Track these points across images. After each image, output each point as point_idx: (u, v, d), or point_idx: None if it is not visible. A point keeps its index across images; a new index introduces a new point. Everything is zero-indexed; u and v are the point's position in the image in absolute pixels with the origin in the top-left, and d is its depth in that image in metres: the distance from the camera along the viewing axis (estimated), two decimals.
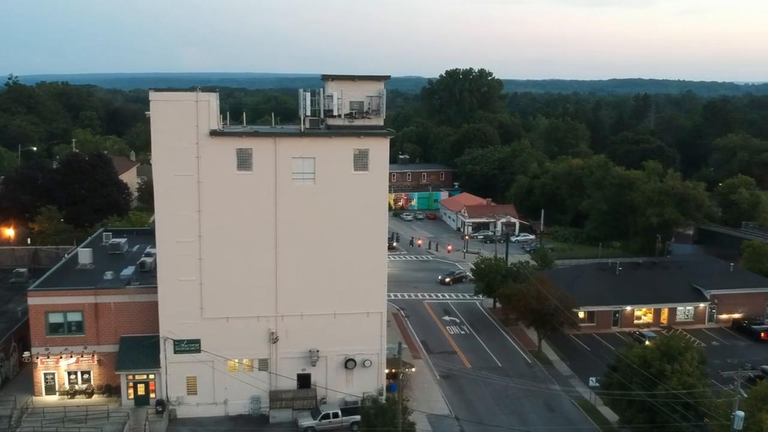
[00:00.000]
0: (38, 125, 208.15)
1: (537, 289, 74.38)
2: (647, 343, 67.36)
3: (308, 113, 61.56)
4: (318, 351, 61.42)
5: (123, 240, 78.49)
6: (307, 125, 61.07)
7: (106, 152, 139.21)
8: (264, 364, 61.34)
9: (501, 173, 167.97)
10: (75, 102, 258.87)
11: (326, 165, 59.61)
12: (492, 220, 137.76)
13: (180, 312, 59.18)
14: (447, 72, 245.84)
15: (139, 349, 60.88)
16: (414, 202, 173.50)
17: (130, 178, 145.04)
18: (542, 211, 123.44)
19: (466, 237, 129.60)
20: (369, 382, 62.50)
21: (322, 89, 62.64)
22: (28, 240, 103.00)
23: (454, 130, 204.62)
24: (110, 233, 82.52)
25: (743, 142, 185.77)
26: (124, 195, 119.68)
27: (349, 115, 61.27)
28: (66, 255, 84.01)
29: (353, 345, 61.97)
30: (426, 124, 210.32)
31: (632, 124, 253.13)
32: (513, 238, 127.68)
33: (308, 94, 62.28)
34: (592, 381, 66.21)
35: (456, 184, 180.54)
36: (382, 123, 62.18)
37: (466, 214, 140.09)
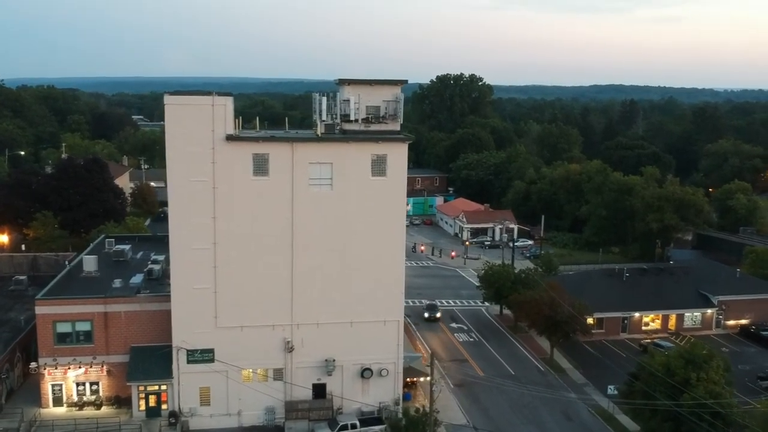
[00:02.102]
0: (25, 129, 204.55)
1: (550, 295, 73.65)
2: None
3: (324, 118, 60.43)
4: (334, 360, 60.18)
5: (127, 247, 76.84)
6: (322, 130, 59.94)
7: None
8: (279, 374, 59.98)
9: (496, 178, 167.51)
10: (61, 106, 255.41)
11: (343, 170, 58.52)
12: (491, 226, 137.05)
13: (194, 321, 57.72)
14: (438, 77, 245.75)
15: (151, 360, 59.33)
16: (409, 208, 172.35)
17: (123, 182, 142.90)
18: (542, 216, 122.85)
19: (467, 243, 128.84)
20: (385, 392, 61.50)
21: (327, 94, 61.72)
22: (23, 246, 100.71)
23: (447, 135, 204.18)
24: (113, 239, 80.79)
25: (734, 148, 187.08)
26: (120, 200, 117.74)
27: (366, 120, 60.17)
28: (67, 262, 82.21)
29: (370, 354, 60.83)
30: (419, 129, 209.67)
31: (621, 129, 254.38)
32: (505, 243, 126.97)
33: (324, 99, 61.10)
34: (611, 389, 65.47)
35: (451, 189, 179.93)
36: (398, 128, 61.11)
37: (465, 220, 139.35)
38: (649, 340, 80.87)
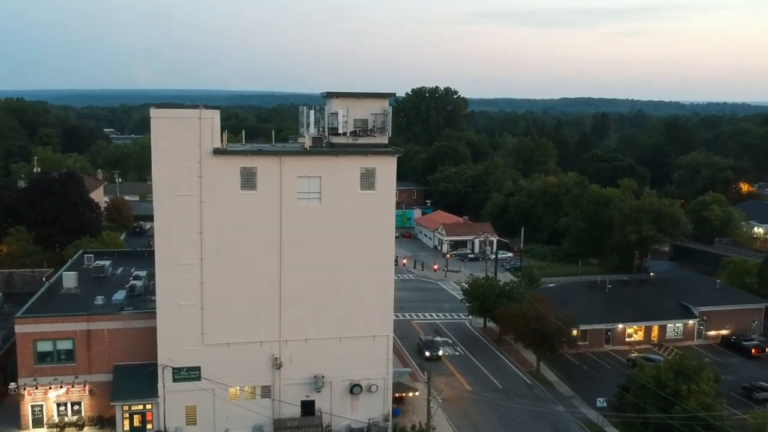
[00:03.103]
0: None
1: (536, 308, 73.63)
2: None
3: (312, 131, 59.93)
4: (323, 376, 59.30)
5: (107, 262, 75.26)
6: (310, 143, 59.37)
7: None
8: (267, 391, 58.90)
9: (474, 191, 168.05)
10: (31, 118, 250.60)
11: (332, 184, 57.96)
12: (470, 238, 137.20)
13: (180, 338, 56.49)
14: (413, 90, 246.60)
15: (135, 378, 57.90)
16: None
17: (97, 196, 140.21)
18: (522, 228, 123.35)
19: (448, 256, 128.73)
20: (375, 408, 60.73)
21: (314, 107, 61.31)
22: None
23: (424, 148, 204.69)
24: (92, 255, 79.08)
25: (706, 160, 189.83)
26: (96, 215, 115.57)
27: (354, 133, 59.81)
28: (44, 278, 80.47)
29: (359, 370, 60.07)
30: (395, 141, 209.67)
31: (594, 142, 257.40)
32: (492, 256, 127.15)
33: (312, 112, 60.73)
34: (600, 402, 65.46)
35: (428, 201, 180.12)
36: (386, 141, 60.88)
37: (444, 232, 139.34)
38: (635, 354, 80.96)
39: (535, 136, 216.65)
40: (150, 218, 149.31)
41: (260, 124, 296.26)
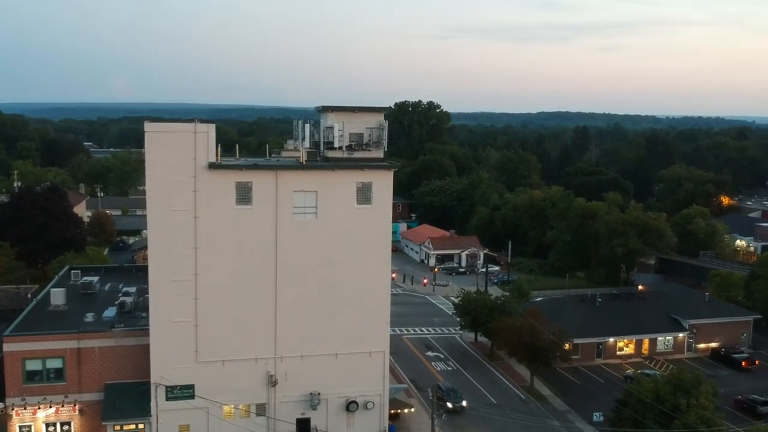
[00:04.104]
0: None
1: (530, 322, 73.42)
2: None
3: (308, 145, 59.49)
4: (319, 394, 58.50)
5: (95, 278, 73.84)
6: (305, 157, 58.89)
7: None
8: (262, 409, 57.94)
9: (460, 205, 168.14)
10: (9, 132, 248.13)
11: (328, 199, 57.46)
12: (457, 252, 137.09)
13: (173, 356, 55.45)
14: (396, 104, 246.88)
15: (127, 397, 56.60)
16: None
17: (80, 211, 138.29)
18: (509, 242, 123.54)
19: (436, 270, 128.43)
20: (371, 425, 60.04)
21: (309, 121, 60.94)
22: None
23: (408, 162, 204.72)
24: (78, 271, 77.61)
25: (687, 174, 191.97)
26: (80, 230, 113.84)
27: (349, 147, 59.42)
28: (29, 295, 78.98)
29: (355, 386, 59.39)
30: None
31: (575, 156, 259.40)
32: (480, 270, 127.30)
33: (307, 126, 60.31)
34: (597, 416, 65.20)
35: (413, 215, 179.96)
36: (382, 155, 60.59)
37: (431, 246, 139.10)
38: (631, 371, 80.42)
39: (518, 150, 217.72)
40: (133, 233, 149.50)
41: (241, 138, 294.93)
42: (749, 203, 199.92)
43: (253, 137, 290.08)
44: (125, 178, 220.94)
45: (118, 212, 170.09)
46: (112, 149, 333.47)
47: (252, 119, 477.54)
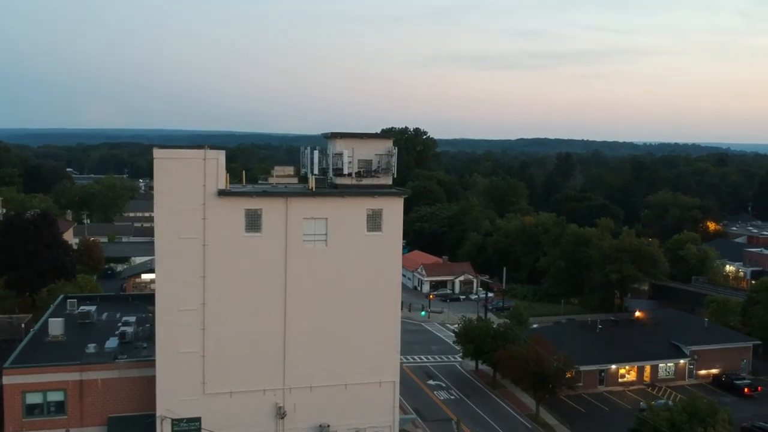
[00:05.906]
0: None
1: (535, 350, 72.73)
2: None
3: (317, 172, 58.78)
4: (329, 426, 57.12)
5: (93, 308, 72.15)
6: (314, 184, 58.15)
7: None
8: None
9: (451, 231, 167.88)
10: None
11: (338, 226, 56.56)
12: (450, 278, 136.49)
13: (180, 388, 53.82)
14: (383, 130, 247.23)
15: (131, 431, 54.94)
16: None
17: (68, 238, 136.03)
18: (504, 269, 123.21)
19: (431, 296, 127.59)
20: None
21: (316, 148, 60.29)
22: None
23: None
24: (75, 300, 75.74)
25: (673, 199, 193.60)
26: (70, 258, 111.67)
27: (358, 174, 58.85)
28: (23, 325, 77.08)
29: (365, 417, 57.96)
30: None
31: (560, 182, 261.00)
32: (473, 296, 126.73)
33: (316, 152, 59.58)
34: None
35: (404, 242, 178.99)
36: (390, 182, 59.97)
37: (424, 273, 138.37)
38: (644, 402, 78.73)
39: (505, 176, 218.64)
40: (121, 260, 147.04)
41: (227, 164, 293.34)
42: (734, 228, 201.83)
43: (237, 163, 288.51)
44: (110, 204, 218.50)
45: (105, 239, 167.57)
46: (92, 175, 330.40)
47: (233, 145, 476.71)
